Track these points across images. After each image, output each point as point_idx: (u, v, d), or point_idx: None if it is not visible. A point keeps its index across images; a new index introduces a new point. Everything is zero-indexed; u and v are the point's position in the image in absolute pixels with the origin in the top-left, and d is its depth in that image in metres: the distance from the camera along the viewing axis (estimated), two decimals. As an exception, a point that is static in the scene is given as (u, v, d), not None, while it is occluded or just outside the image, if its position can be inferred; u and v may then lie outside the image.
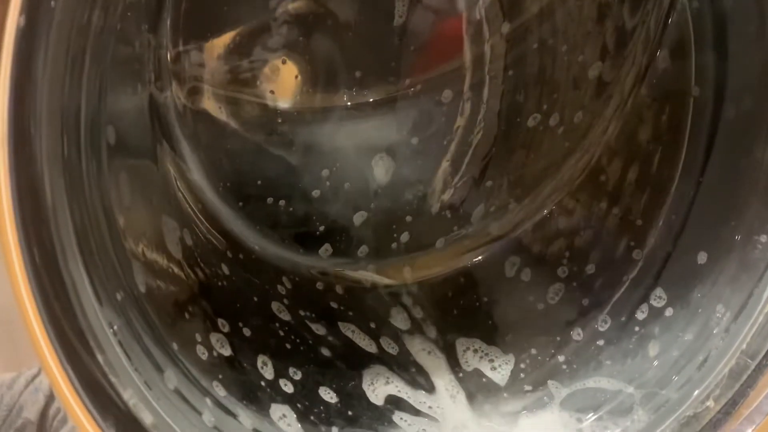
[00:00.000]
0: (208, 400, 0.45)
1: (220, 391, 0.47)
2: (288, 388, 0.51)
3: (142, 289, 0.44)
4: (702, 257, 0.50)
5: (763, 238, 0.46)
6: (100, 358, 0.37)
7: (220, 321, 0.51)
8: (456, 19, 0.61)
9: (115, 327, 0.39)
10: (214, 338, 0.50)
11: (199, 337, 0.49)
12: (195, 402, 0.44)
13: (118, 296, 0.40)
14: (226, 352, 0.50)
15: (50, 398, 0.70)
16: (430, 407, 0.54)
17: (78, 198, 0.37)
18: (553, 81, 0.60)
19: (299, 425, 0.49)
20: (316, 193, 0.62)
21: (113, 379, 0.37)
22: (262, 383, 0.51)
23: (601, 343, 0.55)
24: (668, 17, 0.55)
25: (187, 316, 0.50)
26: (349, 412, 0.52)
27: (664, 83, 0.56)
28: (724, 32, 0.50)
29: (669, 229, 0.55)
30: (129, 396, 0.38)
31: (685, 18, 0.53)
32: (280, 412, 0.49)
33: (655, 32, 0.56)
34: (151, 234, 0.49)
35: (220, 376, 0.48)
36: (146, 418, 0.39)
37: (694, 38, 0.53)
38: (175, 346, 0.45)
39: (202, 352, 0.48)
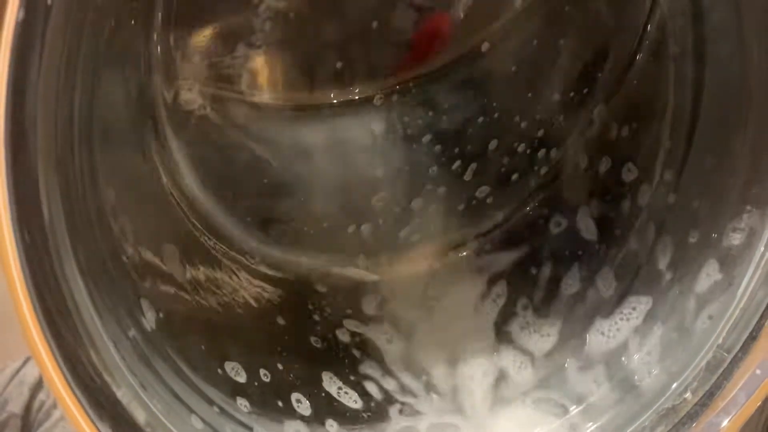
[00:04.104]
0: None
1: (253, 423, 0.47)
2: (332, 427, 0.52)
3: (153, 325, 0.43)
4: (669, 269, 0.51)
5: (737, 235, 0.47)
6: (93, 355, 0.37)
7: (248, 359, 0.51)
8: (441, 18, 0.61)
9: (137, 374, 0.39)
10: (229, 366, 0.49)
11: (223, 373, 0.48)
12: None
13: (130, 333, 0.40)
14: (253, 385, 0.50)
15: (35, 391, 0.69)
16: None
17: (72, 199, 0.37)
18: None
19: None
20: (301, 190, 0.62)
21: (107, 378, 0.37)
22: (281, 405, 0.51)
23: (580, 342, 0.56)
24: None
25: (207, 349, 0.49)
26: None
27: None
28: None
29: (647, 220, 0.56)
30: (122, 395, 0.38)
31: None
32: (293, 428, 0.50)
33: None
34: (149, 245, 0.48)
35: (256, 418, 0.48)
36: (140, 416, 0.39)
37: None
38: (197, 380, 0.45)
39: (241, 404, 0.48)
